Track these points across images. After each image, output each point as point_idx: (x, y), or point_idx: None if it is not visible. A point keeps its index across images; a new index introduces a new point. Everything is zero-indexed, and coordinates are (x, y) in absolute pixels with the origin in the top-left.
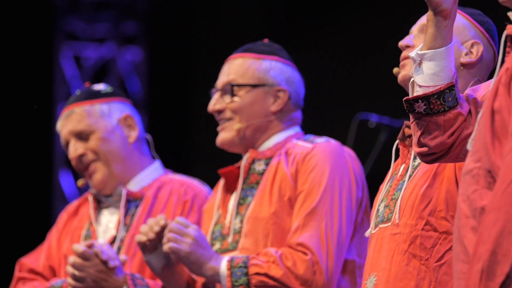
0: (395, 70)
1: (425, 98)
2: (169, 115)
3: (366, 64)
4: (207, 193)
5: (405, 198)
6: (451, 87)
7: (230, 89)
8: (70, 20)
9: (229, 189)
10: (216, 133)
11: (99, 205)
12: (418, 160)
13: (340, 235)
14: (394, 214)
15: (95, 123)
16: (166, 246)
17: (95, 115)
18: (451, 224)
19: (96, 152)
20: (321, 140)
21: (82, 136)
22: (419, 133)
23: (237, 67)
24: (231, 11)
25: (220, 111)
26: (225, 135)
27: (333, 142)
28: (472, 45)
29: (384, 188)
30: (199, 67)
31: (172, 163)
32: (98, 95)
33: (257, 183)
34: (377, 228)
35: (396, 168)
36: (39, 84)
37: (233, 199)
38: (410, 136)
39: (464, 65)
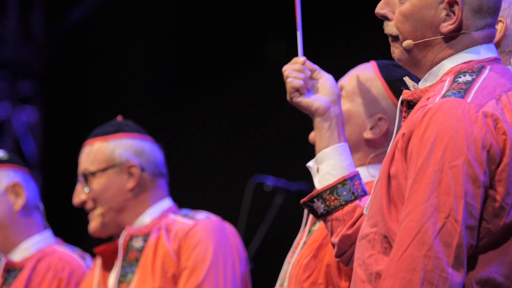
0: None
1: (319, 196)
2: (64, 177)
3: (263, 126)
4: (86, 268)
5: (294, 266)
6: (343, 182)
7: (86, 179)
8: None
9: (107, 266)
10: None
11: None
12: (316, 226)
13: None
14: (285, 281)
15: None
16: None
17: None
18: None
19: None
20: (202, 216)
21: None
22: (330, 236)
23: (86, 156)
24: (125, 73)
25: (83, 202)
26: (92, 225)
27: (213, 218)
28: (379, 120)
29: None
30: (95, 126)
31: (66, 226)
32: None
33: (137, 260)
34: None
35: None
36: None
37: (113, 277)
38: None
39: (367, 140)
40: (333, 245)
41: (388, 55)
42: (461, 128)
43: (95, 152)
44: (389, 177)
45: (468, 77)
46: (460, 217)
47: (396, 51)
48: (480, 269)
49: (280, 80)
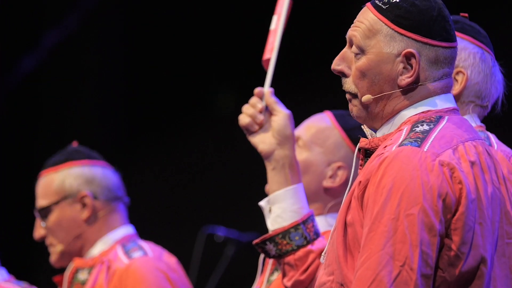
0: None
1: (271, 239)
2: (17, 229)
3: (214, 176)
4: None
5: None
6: (296, 226)
7: (41, 214)
8: None
9: None
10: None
11: None
12: (274, 275)
13: None
14: None
15: None
16: None
17: None
18: None
19: None
20: (138, 255)
21: None
22: (282, 277)
23: (40, 189)
24: (74, 123)
25: (43, 237)
26: (52, 258)
27: (150, 255)
28: (338, 169)
29: None
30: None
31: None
32: None
33: None
34: None
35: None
36: None
37: None
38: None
39: (326, 189)
40: (286, 287)
41: (342, 105)
42: (417, 177)
43: (47, 184)
44: (345, 225)
45: (425, 127)
46: (415, 265)
47: (354, 109)
48: None
49: (229, 131)
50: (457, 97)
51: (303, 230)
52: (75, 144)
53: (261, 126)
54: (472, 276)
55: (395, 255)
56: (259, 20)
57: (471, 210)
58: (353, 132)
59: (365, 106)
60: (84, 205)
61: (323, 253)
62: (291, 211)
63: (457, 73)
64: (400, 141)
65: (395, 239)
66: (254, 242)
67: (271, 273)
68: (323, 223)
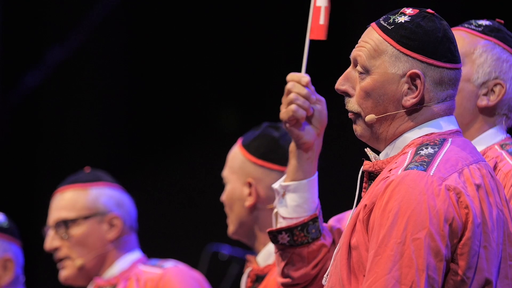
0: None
1: (288, 230)
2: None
3: (219, 195)
4: None
5: None
6: (314, 219)
7: (63, 225)
8: None
9: None
10: (54, 270)
11: None
12: None
13: None
14: None
15: None
16: None
17: None
18: None
19: None
20: (170, 265)
21: None
22: (282, 264)
23: (65, 202)
24: (77, 141)
25: (57, 249)
26: (66, 273)
27: (181, 266)
28: (249, 185)
29: None
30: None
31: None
32: None
33: None
34: None
35: None
36: None
37: None
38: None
39: (250, 208)
40: (286, 274)
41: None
42: (424, 201)
43: (75, 199)
44: (349, 248)
45: (430, 150)
46: None
47: (358, 128)
48: None
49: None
50: (491, 109)
51: (319, 223)
52: (87, 169)
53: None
54: None
55: (401, 279)
56: (262, 39)
57: (477, 234)
58: (252, 145)
59: (369, 126)
60: (111, 226)
61: (325, 275)
62: (312, 202)
63: (496, 84)
64: (405, 165)
65: (401, 263)
66: (269, 230)
67: None
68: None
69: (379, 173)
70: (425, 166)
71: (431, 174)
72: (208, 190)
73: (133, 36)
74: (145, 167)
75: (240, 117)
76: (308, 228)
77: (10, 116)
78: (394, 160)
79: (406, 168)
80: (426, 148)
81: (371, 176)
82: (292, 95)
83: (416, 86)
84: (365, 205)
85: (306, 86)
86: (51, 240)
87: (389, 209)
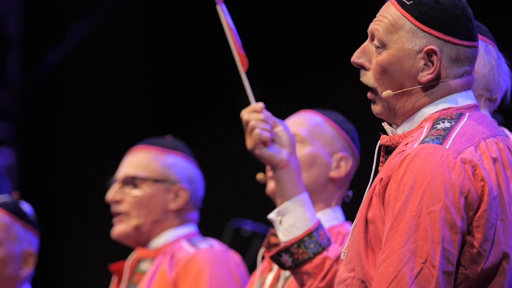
0: (259, 176)
1: (286, 250)
2: (41, 217)
3: (241, 171)
4: None
5: None
6: (310, 234)
7: (131, 182)
8: None
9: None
10: (85, 237)
11: None
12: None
13: None
14: None
15: (7, 239)
16: None
17: (11, 232)
18: None
19: None
20: (205, 245)
21: None
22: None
23: (139, 160)
24: (98, 116)
25: (118, 202)
26: (121, 228)
27: (216, 247)
28: (341, 159)
29: None
30: (72, 168)
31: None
32: (23, 216)
33: (139, 282)
34: None
35: (263, 276)
36: None
37: None
38: (275, 244)
39: (332, 179)
40: None
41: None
42: (439, 174)
43: (150, 160)
44: (366, 222)
45: (446, 124)
46: (437, 262)
47: (376, 107)
48: None
49: None
50: None
51: (317, 237)
52: (169, 137)
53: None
54: (494, 272)
55: (416, 252)
56: (282, 13)
57: (493, 207)
58: (343, 124)
59: (386, 101)
60: (176, 197)
61: (343, 250)
62: (305, 219)
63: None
64: (421, 138)
65: (416, 236)
66: (269, 255)
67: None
68: (330, 216)
69: (396, 147)
70: (441, 140)
71: (447, 147)
72: (231, 166)
73: (154, 12)
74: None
75: (261, 92)
76: (305, 244)
77: (32, 93)
78: (411, 134)
79: (422, 142)
80: (443, 122)
81: (388, 150)
82: (252, 123)
83: (432, 62)
84: (381, 178)
85: (261, 112)
86: (115, 193)
87: (404, 182)
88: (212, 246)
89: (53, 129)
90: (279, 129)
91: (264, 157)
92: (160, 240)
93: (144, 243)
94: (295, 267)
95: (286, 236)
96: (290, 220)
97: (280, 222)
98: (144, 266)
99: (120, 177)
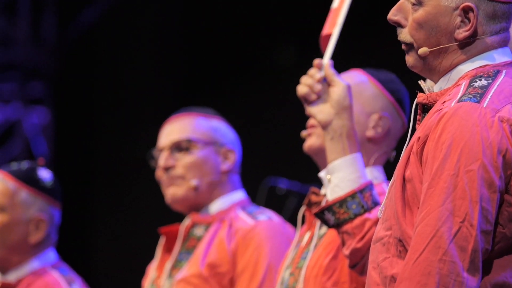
0: (304, 133)
1: (329, 208)
2: (75, 177)
3: (277, 128)
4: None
5: (309, 268)
6: (353, 195)
7: (182, 146)
8: None
9: (170, 248)
10: (120, 195)
11: None
12: (324, 229)
13: None
14: (298, 284)
15: (11, 206)
16: None
17: (16, 199)
18: None
19: None
20: (263, 217)
21: None
22: (342, 247)
23: (186, 125)
24: (134, 75)
25: (170, 168)
26: (178, 191)
27: (275, 220)
28: (379, 119)
29: (289, 254)
30: (107, 127)
31: (75, 226)
32: (33, 182)
33: (195, 247)
34: None
35: (302, 235)
36: None
37: (170, 261)
38: (316, 203)
39: (369, 139)
40: (346, 256)
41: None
42: (477, 133)
43: (197, 124)
44: (404, 181)
45: (483, 82)
46: (475, 221)
47: (410, 59)
48: (496, 274)
49: (290, 83)
50: None
51: (360, 199)
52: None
53: (319, 96)
54: None
55: (455, 211)
56: None
57: None
58: (389, 84)
59: (422, 58)
60: (225, 159)
61: (380, 208)
62: (349, 180)
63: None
64: (458, 97)
65: (454, 195)
66: (314, 212)
67: (320, 227)
68: (368, 176)
69: (433, 105)
70: (478, 98)
71: (484, 105)
72: (266, 124)
73: None
74: (201, 102)
75: (297, 51)
76: (347, 204)
77: (67, 52)
78: (448, 92)
79: (459, 100)
80: (480, 80)
81: (425, 108)
82: (303, 77)
83: (468, 19)
84: (419, 137)
85: (317, 67)
86: (166, 159)
87: (442, 141)
88: (270, 218)
89: (88, 88)
90: (332, 88)
91: (308, 113)
92: (214, 207)
93: (199, 208)
94: (337, 226)
95: (331, 195)
96: (336, 180)
97: (329, 180)
98: (199, 231)
99: (168, 144)
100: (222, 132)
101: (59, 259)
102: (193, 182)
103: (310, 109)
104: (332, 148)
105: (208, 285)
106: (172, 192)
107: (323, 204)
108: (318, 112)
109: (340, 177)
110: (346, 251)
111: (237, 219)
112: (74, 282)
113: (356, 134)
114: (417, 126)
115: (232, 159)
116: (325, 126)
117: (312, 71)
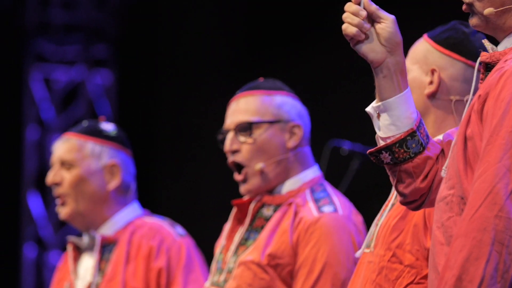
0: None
1: (387, 148)
2: (139, 139)
3: (339, 90)
4: (176, 236)
5: (382, 227)
6: (412, 134)
7: (245, 128)
8: (40, 42)
9: (241, 220)
10: (179, 154)
11: (79, 250)
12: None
13: None
14: (372, 242)
15: (81, 159)
16: None
17: (84, 151)
18: (415, 258)
19: (71, 186)
20: (329, 210)
21: (65, 165)
22: (394, 182)
23: (249, 105)
24: (196, 37)
25: (236, 151)
26: (253, 182)
27: (340, 212)
28: (432, 73)
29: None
30: (169, 89)
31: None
32: (97, 134)
33: (262, 227)
34: (362, 252)
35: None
36: (8, 105)
37: (238, 236)
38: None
39: (429, 96)
40: (399, 192)
41: None
42: None
43: (261, 103)
44: (465, 139)
45: None
46: None
47: (474, 20)
48: None
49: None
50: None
51: (419, 137)
52: (261, 79)
53: (367, 35)
54: None
55: None
56: None
57: None
58: (441, 37)
59: (486, 17)
60: (292, 135)
61: (444, 167)
62: (405, 118)
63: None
64: None
65: None
66: (368, 151)
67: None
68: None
69: (496, 64)
70: None
71: None
72: (329, 86)
73: None
74: (264, 63)
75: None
76: (407, 144)
77: (130, 14)
78: (511, 51)
79: None
80: None
81: (488, 67)
82: (344, 15)
83: None
84: (480, 95)
85: (358, 4)
86: (231, 143)
87: (501, 99)
88: (336, 211)
89: (150, 51)
90: (379, 25)
91: (358, 53)
92: (284, 188)
93: (271, 189)
94: (394, 165)
95: (386, 133)
96: (390, 118)
97: (378, 117)
98: (267, 212)
99: (232, 126)
100: (286, 108)
101: (146, 211)
102: (259, 165)
103: (361, 50)
104: (385, 86)
105: (267, 274)
106: (245, 187)
107: (380, 144)
108: (370, 51)
109: (396, 115)
110: (404, 189)
111: (303, 205)
112: (176, 225)
113: (406, 69)
114: (479, 85)
115: (299, 134)
116: (378, 65)
117: (353, 8)
